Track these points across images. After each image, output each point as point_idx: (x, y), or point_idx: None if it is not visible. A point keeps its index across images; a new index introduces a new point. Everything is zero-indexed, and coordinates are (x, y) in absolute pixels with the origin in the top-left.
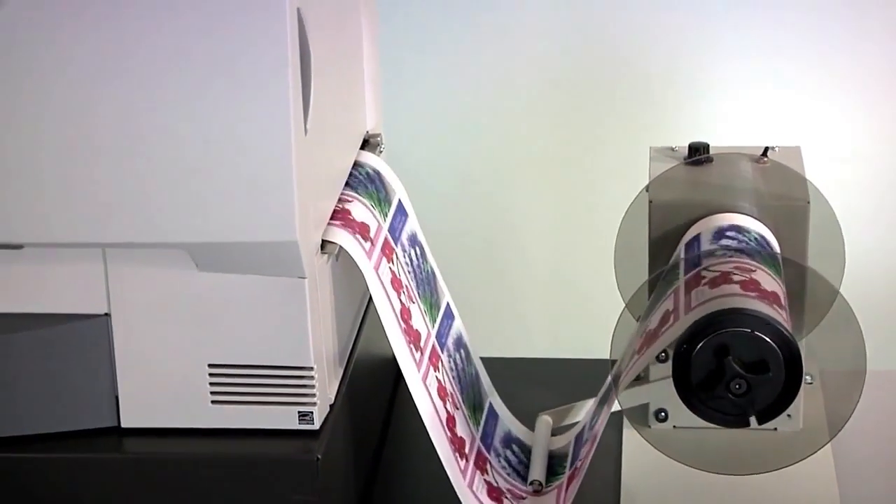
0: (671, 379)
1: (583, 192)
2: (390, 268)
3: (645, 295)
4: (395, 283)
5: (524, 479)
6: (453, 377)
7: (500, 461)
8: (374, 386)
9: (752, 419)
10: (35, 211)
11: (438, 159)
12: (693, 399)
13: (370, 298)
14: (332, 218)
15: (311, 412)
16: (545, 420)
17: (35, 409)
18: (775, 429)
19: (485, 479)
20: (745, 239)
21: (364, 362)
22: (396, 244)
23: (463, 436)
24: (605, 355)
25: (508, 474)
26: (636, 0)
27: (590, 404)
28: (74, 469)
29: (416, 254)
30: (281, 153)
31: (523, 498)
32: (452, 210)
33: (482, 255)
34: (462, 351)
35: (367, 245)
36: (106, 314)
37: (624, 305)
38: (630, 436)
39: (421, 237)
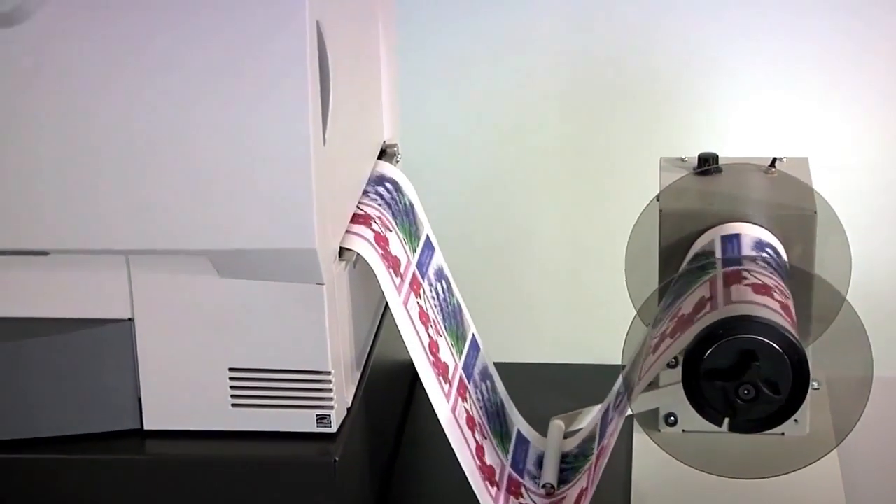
0: (681, 385)
1: (595, 200)
2: (418, 302)
3: (655, 301)
4: (423, 316)
5: None
6: (480, 407)
7: (535, 484)
8: (390, 390)
9: (725, 422)
10: (61, 219)
11: (452, 168)
12: (699, 381)
13: (386, 305)
14: (375, 244)
15: (329, 415)
16: (557, 424)
17: (60, 411)
18: (782, 434)
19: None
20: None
21: (380, 367)
22: (423, 279)
23: (492, 464)
24: (616, 361)
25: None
26: (648, 15)
27: (603, 407)
28: (98, 470)
29: (442, 288)
30: (300, 163)
31: None
32: (466, 218)
33: (496, 261)
34: (488, 382)
35: (398, 280)
36: (129, 319)
37: (635, 312)
38: (640, 439)
39: (447, 271)
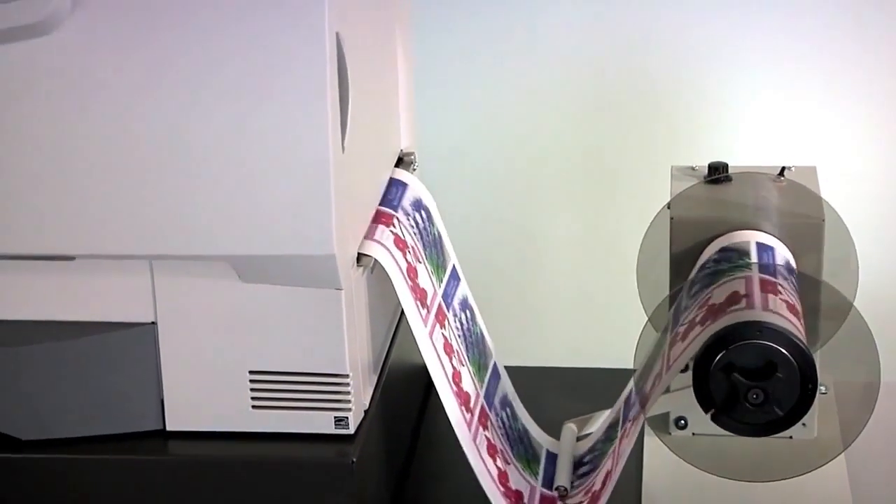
0: (691, 389)
1: (607, 207)
2: (443, 333)
3: (666, 307)
4: (447, 347)
5: None
6: (502, 434)
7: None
8: (405, 393)
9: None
10: (87, 225)
11: (465, 174)
12: (721, 420)
13: (402, 310)
14: (406, 274)
15: (347, 417)
16: (570, 428)
17: (85, 411)
18: (791, 437)
19: None
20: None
21: (397, 370)
22: (448, 309)
23: (518, 488)
24: (627, 365)
25: None
26: (660, 28)
27: (614, 410)
28: (121, 469)
29: (466, 317)
30: (320, 171)
31: None
32: (479, 223)
33: (508, 266)
34: (508, 409)
35: (424, 312)
36: (153, 322)
37: (647, 318)
38: (651, 442)
39: (471, 300)
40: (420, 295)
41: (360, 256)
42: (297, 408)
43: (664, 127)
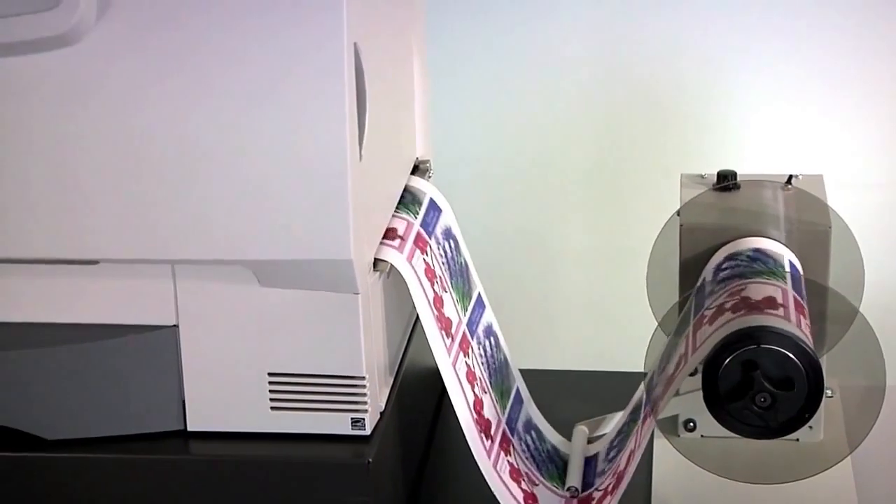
0: (700, 392)
1: (618, 214)
2: (466, 362)
3: (676, 313)
4: (470, 375)
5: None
6: (527, 458)
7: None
8: (420, 395)
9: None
10: (110, 230)
11: (479, 181)
12: (719, 408)
13: (417, 315)
14: (433, 304)
15: (363, 419)
16: (581, 430)
17: (107, 412)
18: (797, 440)
19: None
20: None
21: (412, 373)
22: (472, 337)
23: None
24: (637, 369)
25: None
26: (671, 38)
27: (625, 413)
28: (143, 469)
29: (490, 344)
30: (338, 178)
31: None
32: (491, 229)
33: (521, 271)
34: (533, 433)
35: (448, 341)
36: (174, 325)
37: (657, 323)
38: (660, 444)
39: (496, 327)
40: (445, 325)
41: (376, 261)
42: (315, 409)
43: (674, 136)
